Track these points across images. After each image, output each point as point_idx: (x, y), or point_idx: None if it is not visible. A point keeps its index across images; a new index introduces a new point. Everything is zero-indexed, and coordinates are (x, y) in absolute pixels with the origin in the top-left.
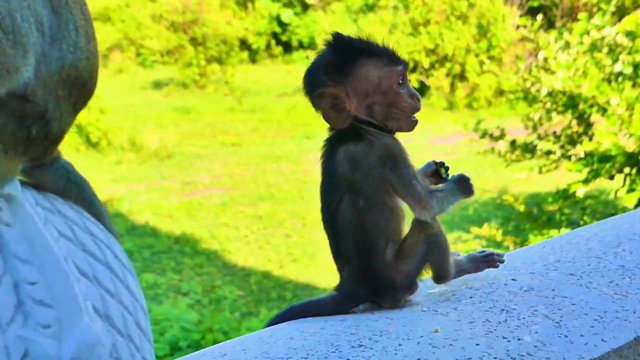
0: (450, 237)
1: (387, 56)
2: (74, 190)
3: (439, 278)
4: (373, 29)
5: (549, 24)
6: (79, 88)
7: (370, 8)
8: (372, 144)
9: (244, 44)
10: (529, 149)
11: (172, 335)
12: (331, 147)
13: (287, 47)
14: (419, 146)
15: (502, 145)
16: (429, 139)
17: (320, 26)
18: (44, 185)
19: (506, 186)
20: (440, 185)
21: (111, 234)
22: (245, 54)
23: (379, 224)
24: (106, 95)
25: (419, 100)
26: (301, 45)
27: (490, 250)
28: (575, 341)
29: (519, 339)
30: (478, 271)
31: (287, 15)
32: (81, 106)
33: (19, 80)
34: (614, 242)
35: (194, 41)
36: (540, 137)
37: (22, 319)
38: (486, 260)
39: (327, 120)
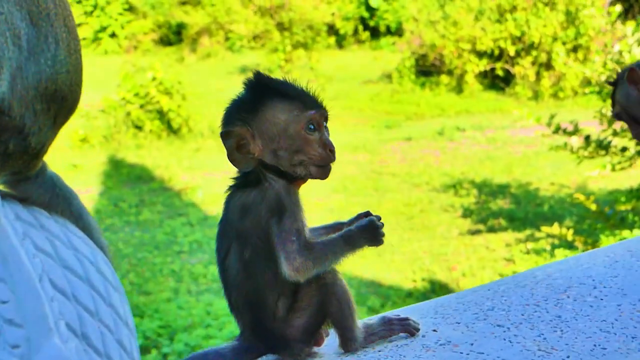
0: (522, 234)
1: (301, 100)
2: (61, 203)
3: (345, 342)
4: (459, 15)
5: None
6: (58, 102)
7: None
8: (264, 192)
9: (331, 29)
10: (603, 146)
11: (230, 332)
12: (232, 193)
13: (375, 33)
14: (498, 138)
15: (575, 141)
16: (509, 131)
17: (408, 11)
18: (30, 198)
19: (585, 182)
20: (333, 235)
21: (99, 249)
22: (332, 40)
23: (267, 277)
24: (192, 80)
25: (332, 151)
26: (389, 31)
27: (407, 316)
28: None
29: None
30: (392, 335)
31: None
32: (62, 120)
33: None
34: (562, 286)
35: (280, 26)
36: (615, 133)
37: None
38: (401, 325)
39: (231, 161)
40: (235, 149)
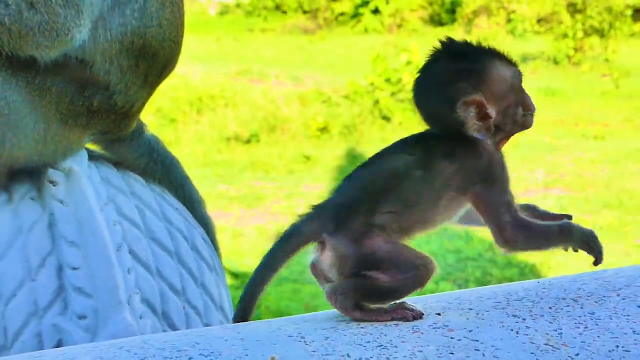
0: None
1: (507, 58)
2: (159, 170)
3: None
4: None
5: None
6: (149, 59)
7: None
8: (480, 158)
9: (638, 14)
10: None
11: None
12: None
13: None
14: None
15: None
16: None
17: None
18: (125, 162)
19: None
20: (550, 223)
21: (199, 225)
22: (637, 27)
23: (410, 201)
24: None
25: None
26: None
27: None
28: None
29: None
30: (374, 318)
31: None
32: (155, 79)
33: (72, 43)
34: (620, 284)
35: (572, 8)
36: None
37: (62, 306)
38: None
39: (472, 130)
40: (477, 118)
